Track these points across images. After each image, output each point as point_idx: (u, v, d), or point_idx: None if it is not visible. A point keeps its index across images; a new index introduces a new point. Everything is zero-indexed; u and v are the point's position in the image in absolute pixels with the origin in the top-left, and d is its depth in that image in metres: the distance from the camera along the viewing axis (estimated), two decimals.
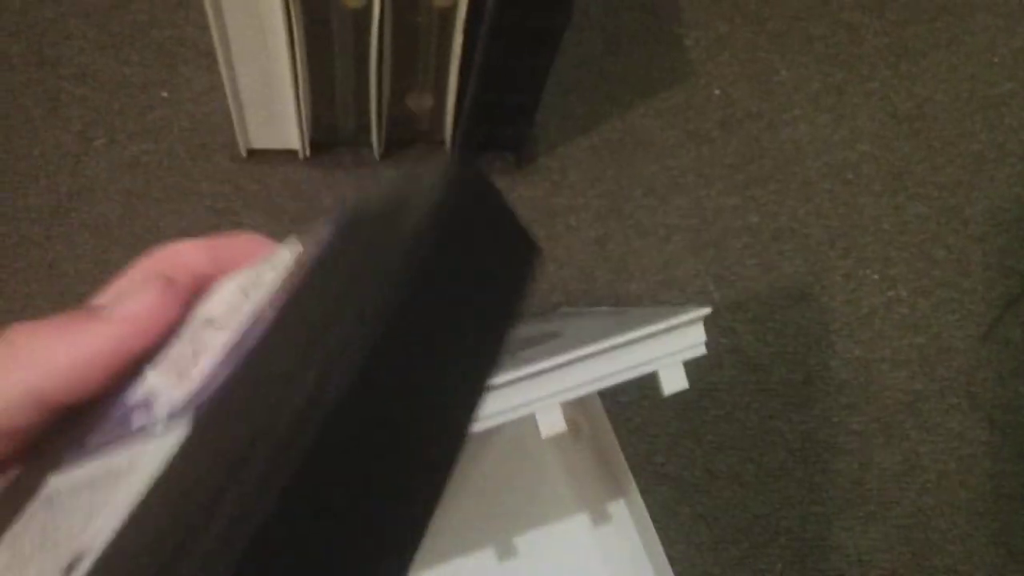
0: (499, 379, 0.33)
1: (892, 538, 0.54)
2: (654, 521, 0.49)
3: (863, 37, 0.73)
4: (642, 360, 0.35)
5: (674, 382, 0.36)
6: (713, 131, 0.67)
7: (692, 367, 0.58)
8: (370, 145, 0.62)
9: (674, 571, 0.47)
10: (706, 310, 0.36)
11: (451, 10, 0.52)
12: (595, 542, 0.47)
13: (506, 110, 0.60)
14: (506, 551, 0.45)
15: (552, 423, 0.34)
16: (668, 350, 0.36)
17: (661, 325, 0.35)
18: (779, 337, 0.59)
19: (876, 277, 0.62)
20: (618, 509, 0.48)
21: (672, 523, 0.53)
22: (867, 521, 0.55)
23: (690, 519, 0.53)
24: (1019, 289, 0.63)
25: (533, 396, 0.34)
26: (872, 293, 0.62)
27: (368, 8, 0.51)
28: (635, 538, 0.48)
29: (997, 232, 0.65)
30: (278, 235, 0.63)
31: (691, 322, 0.36)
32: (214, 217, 0.59)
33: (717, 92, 0.69)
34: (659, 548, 0.47)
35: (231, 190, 0.60)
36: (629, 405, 0.56)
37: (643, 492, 0.53)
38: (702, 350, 0.36)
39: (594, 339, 0.35)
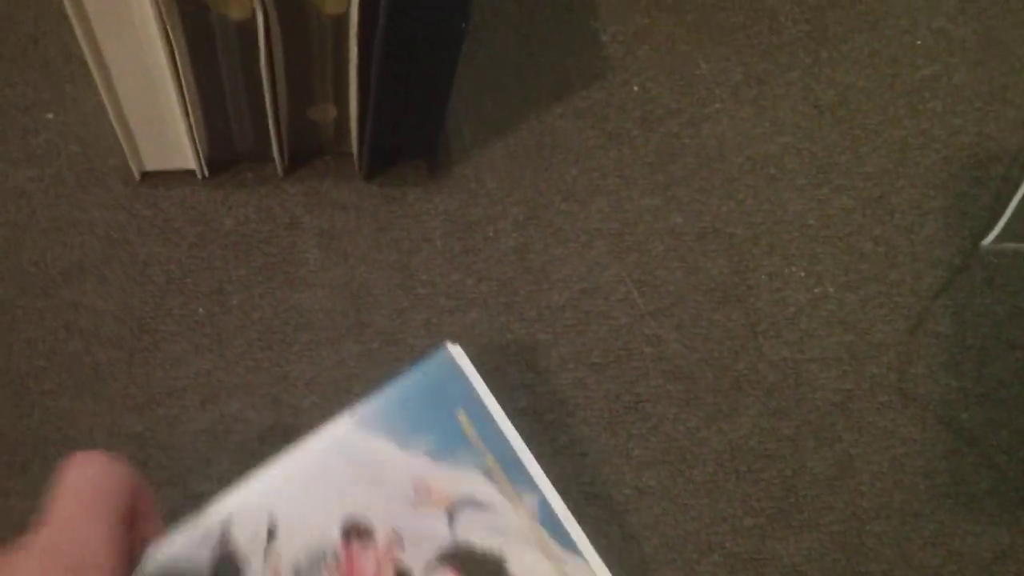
0: None
1: (826, 545, 0.53)
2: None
3: (783, 24, 0.71)
4: None
5: None
6: (633, 130, 0.65)
7: (617, 381, 0.56)
8: (273, 160, 0.59)
9: None
10: None
11: (343, 17, 0.49)
12: None
13: (412, 118, 0.57)
14: None
15: None
16: None
17: None
18: (705, 342, 0.57)
19: (802, 274, 0.61)
20: None
21: (601, 544, 0.51)
22: (801, 530, 0.53)
23: (620, 539, 0.51)
24: (947, 279, 0.62)
25: None
26: (798, 291, 0.60)
27: (252, 20, 0.48)
28: None
29: (923, 221, 0.64)
30: (176, 261, 0.59)
31: None
32: (107, 247, 0.56)
33: (636, 88, 0.67)
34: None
35: (125, 217, 0.57)
36: (553, 424, 0.54)
37: (572, 514, 0.51)
38: None
39: None
